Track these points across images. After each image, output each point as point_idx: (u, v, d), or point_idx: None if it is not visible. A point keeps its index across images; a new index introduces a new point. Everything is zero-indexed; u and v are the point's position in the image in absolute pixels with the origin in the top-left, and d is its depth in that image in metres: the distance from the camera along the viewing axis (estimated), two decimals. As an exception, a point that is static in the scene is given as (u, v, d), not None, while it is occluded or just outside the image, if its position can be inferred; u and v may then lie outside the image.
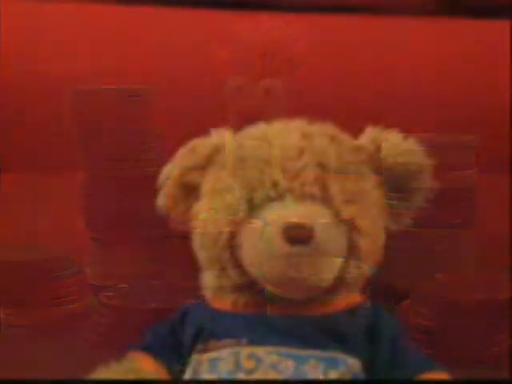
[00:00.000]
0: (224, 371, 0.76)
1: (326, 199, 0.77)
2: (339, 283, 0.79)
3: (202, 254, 0.82)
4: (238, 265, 0.79)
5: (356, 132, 0.84)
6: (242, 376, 0.75)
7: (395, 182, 0.82)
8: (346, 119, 0.86)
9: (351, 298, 0.81)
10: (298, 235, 0.75)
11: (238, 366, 0.76)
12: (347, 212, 0.77)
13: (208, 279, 0.83)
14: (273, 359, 0.76)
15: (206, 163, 0.82)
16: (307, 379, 0.75)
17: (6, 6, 1.01)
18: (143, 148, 0.94)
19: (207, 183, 0.81)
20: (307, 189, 0.76)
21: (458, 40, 0.98)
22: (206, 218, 0.80)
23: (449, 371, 0.79)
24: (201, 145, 0.83)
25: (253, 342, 0.76)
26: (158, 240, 0.93)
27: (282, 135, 0.79)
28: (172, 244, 0.91)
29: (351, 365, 0.77)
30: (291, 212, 0.76)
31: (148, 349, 0.81)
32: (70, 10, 1.02)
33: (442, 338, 0.90)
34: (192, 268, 0.85)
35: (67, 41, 0.99)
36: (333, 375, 0.75)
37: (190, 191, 0.83)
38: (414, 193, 0.83)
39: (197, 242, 0.82)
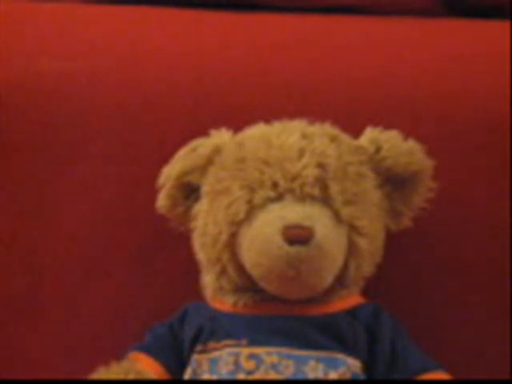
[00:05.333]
0: (224, 371, 0.76)
1: (326, 199, 0.77)
2: (339, 283, 0.80)
3: (202, 255, 0.82)
4: (238, 265, 0.79)
5: (356, 132, 0.84)
6: (242, 376, 0.76)
7: (395, 183, 0.82)
8: (346, 119, 0.86)
9: (351, 298, 0.81)
10: (297, 235, 0.75)
11: (237, 366, 0.76)
12: (347, 212, 0.77)
13: (208, 280, 0.83)
14: (273, 359, 0.76)
15: (206, 164, 0.82)
16: (307, 379, 0.75)
17: (4, 6, 1.01)
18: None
19: (207, 184, 0.81)
20: (307, 189, 0.76)
21: (458, 40, 0.98)
22: (206, 219, 0.80)
23: (449, 371, 0.79)
24: (201, 145, 0.83)
25: (253, 343, 0.77)
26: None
27: (282, 136, 0.79)
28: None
29: (351, 365, 0.77)
30: (291, 212, 0.76)
31: (148, 349, 0.82)
32: (70, 10, 1.02)
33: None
34: (192, 268, 0.85)
35: (66, 41, 0.99)
36: (333, 375, 0.75)
37: (189, 192, 0.83)
38: (413, 193, 0.83)
39: (197, 243, 0.82)
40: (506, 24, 0.98)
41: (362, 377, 0.78)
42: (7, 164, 0.94)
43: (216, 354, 0.78)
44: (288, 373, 0.75)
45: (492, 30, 0.98)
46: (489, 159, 0.91)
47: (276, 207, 0.76)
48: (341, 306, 0.80)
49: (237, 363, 0.76)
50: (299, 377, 0.75)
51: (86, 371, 0.79)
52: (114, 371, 0.78)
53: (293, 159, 0.77)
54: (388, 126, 0.84)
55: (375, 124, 0.84)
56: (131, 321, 0.92)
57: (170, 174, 0.83)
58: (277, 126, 0.82)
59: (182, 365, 0.80)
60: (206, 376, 0.78)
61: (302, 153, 0.78)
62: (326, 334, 0.77)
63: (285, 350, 0.76)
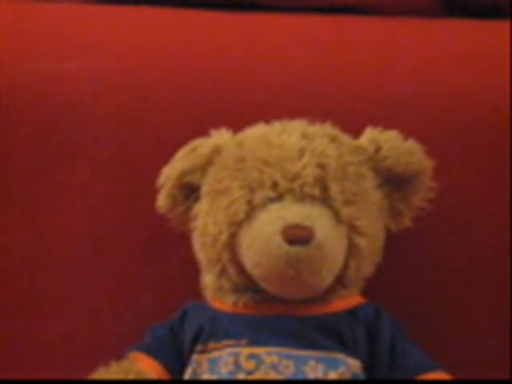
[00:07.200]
0: (224, 372, 0.76)
1: (325, 200, 0.77)
2: (339, 283, 0.80)
3: (202, 255, 0.82)
4: (238, 265, 0.79)
5: (356, 132, 0.84)
6: (242, 376, 0.76)
7: (395, 183, 0.82)
8: (346, 119, 0.86)
9: (351, 298, 0.81)
10: (297, 235, 0.75)
11: (237, 366, 0.76)
12: (347, 212, 0.77)
13: (208, 280, 0.83)
14: (273, 359, 0.76)
15: (206, 164, 0.82)
16: (307, 379, 0.75)
17: (4, 6, 1.01)
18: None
19: (207, 184, 0.81)
20: (307, 189, 0.76)
21: (458, 40, 0.98)
22: (206, 219, 0.80)
23: (449, 371, 0.79)
24: (201, 145, 0.83)
25: (253, 343, 0.76)
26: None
27: (282, 136, 0.79)
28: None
29: (351, 365, 0.77)
30: (291, 212, 0.76)
31: (148, 349, 0.81)
32: (70, 10, 1.02)
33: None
34: (192, 268, 0.85)
35: (66, 41, 0.99)
36: (332, 375, 0.75)
37: (189, 192, 0.83)
38: (414, 193, 0.83)
39: (197, 243, 0.82)
40: (506, 24, 0.98)
41: (362, 377, 0.78)
42: (7, 164, 0.94)
43: (216, 354, 0.78)
44: (288, 373, 0.75)
45: (492, 29, 0.98)
46: (489, 159, 0.91)
47: (276, 207, 0.76)
48: (341, 306, 0.80)
49: (237, 363, 0.76)
50: (299, 377, 0.75)
51: (86, 371, 0.79)
52: (113, 371, 0.78)
53: (293, 159, 0.77)
54: (388, 126, 0.84)
55: (375, 124, 0.84)
56: (131, 321, 0.92)
57: (170, 173, 0.83)
58: (277, 126, 0.82)
59: (182, 365, 0.80)
60: (206, 376, 0.78)
61: (302, 153, 0.78)
62: (326, 334, 0.77)
63: (285, 350, 0.76)
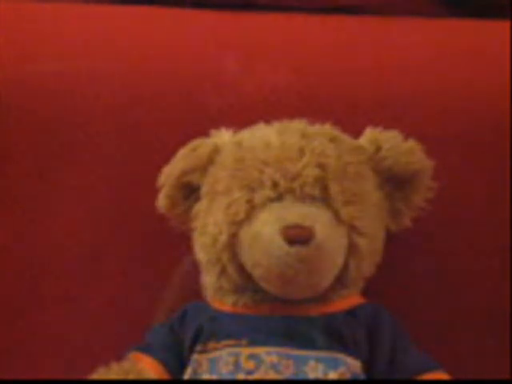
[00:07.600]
0: (224, 372, 0.76)
1: (325, 200, 0.77)
2: (339, 283, 0.80)
3: (201, 255, 0.82)
4: (238, 265, 0.79)
5: (356, 132, 0.84)
6: (241, 376, 0.76)
7: (395, 183, 0.82)
8: (346, 119, 0.86)
9: (351, 297, 0.81)
10: (297, 235, 0.75)
11: (237, 366, 0.76)
12: (347, 212, 0.77)
13: (208, 280, 0.83)
14: (272, 359, 0.76)
15: (206, 164, 0.82)
16: (307, 379, 0.75)
17: (4, 6, 1.01)
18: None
19: (207, 184, 0.81)
20: (307, 189, 0.76)
21: (458, 40, 0.98)
22: (206, 219, 0.80)
23: (449, 371, 0.79)
24: (201, 145, 0.83)
25: (253, 343, 0.76)
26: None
27: (282, 136, 0.79)
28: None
29: (351, 365, 0.77)
30: (291, 212, 0.76)
31: (148, 349, 0.81)
32: (70, 10, 1.02)
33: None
34: (192, 268, 0.85)
35: (65, 41, 0.99)
36: (332, 375, 0.75)
37: (189, 192, 0.83)
38: (414, 193, 0.83)
39: (197, 243, 0.82)
40: (506, 24, 0.98)
41: (362, 377, 0.78)
42: (7, 164, 0.94)
43: (216, 354, 0.78)
44: (288, 373, 0.75)
45: (492, 29, 0.98)
46: (489, 159, 0.91)
47: (276, 207, 0.76)
48: (341, 306, 0.80)
49: (237, 363, 0.76)
50: (299, 377, 0.75)
51: (86, 371, 0.79)
52: (114, 371, 0.78)
53: (293, 159, 0.77)
54: (388, 126, 0.84)
55: (375, 124, 0.84)
56: (131, 321, 0.92)
57: (170, 173, 0.83)
58: (277, 126, 0.82)
59: (182, 365, 0.80)
60: (205, 376, 0.78)
61: (301, 153, 0.78)
62: (326, 333, 0.77)
63: (285, 350, 0.76)
